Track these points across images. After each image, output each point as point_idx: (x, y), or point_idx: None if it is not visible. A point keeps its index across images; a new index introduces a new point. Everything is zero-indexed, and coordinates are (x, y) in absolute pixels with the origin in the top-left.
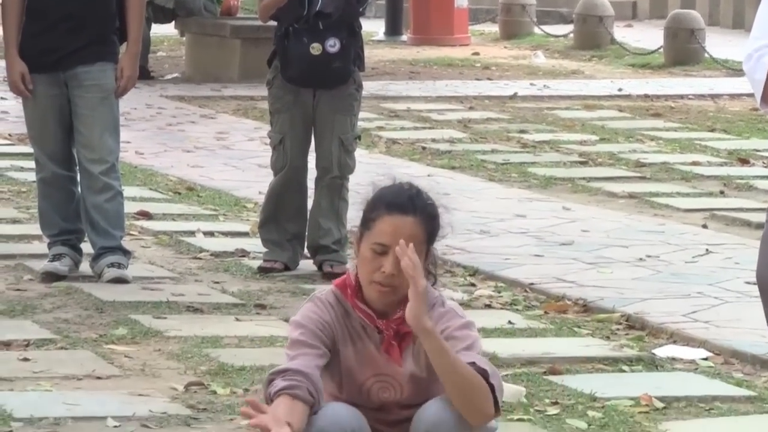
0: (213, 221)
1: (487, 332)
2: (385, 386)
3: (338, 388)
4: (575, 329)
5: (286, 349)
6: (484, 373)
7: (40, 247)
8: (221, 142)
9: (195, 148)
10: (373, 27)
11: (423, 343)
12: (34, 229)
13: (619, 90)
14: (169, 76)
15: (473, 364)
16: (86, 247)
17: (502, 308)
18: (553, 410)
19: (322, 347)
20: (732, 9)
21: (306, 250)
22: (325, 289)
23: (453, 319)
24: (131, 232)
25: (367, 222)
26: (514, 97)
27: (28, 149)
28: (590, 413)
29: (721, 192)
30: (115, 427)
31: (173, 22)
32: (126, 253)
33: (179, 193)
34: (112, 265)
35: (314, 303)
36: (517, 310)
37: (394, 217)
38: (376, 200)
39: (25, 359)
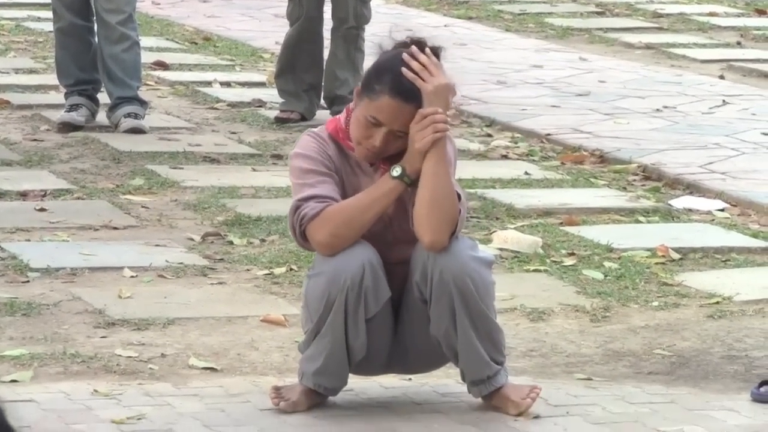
0: (229, 71)
1: (503, 183)
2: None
3: None
4: (592, 180)
5: (294, 179)
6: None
7: (57, 97)
8: None
9: None
10: None
11: (427, 156)
12: (51, 79)
13: None
14: None
15: None
16: (103, 97)
17: (518, 159)
18: (569, 261)
19: (335, 176)
20: None
21: (322, 101)
22: (317, 127)
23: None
24: (148, 83)
25: (370, 89)
26: None
27: None
28: (606, 264)
29: (738, 43)
30: (132, 277)
31: None
32: (143, 103)
33: (196, 43)
34: (128, 115)
35: (311, 137)
36: (534, 160)
37: (396, 101)
38: (384, 72)
39: (42, 209)
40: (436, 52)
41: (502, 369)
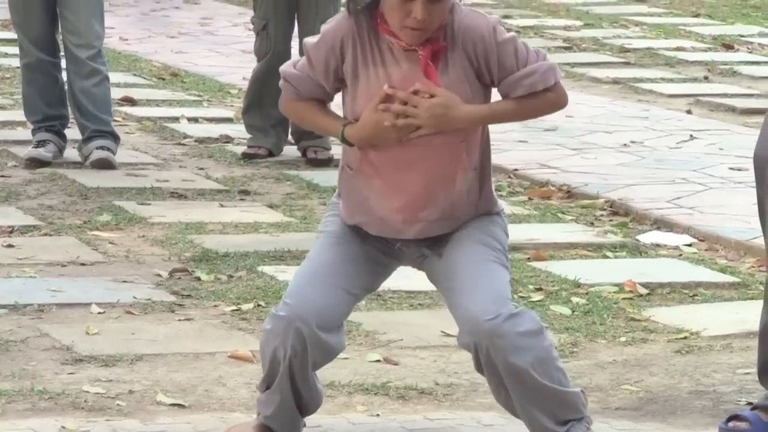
0: (197, 107)
1: None
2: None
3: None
4: (559, 215)
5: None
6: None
7: (24, 133)
8: (205, 28)
9: (179, 34)
10: None
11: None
12: (18, 115)
13: None
14: None
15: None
16: (70, 133)
17: None
18: (536, 296)
19: (331, 84)
20: None
21: (290, 136)
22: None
23: (510, 53)
24: (115, 118)
25: None
26: None
27: (11, 35)
28: (574, 299)
29: (706, 77)
30: (100, 313)
31: None
32: (116, 138)
33: (163, 79)
34: (101, 148)
35: (338, 22)
36: (501, 196)
37: None
38: None
39: (10, 246)
40: None
41: (578, 422)
